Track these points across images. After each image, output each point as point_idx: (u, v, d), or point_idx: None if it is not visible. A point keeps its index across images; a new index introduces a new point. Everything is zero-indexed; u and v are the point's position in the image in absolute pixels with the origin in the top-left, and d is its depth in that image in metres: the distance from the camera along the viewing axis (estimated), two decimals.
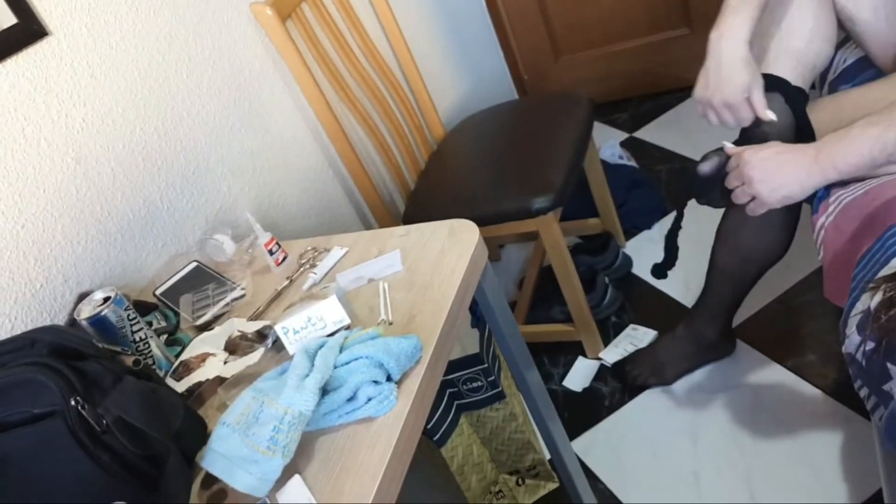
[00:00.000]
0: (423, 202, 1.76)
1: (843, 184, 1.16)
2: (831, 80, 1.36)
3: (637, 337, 1.83)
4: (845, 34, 1.32)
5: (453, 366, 1.42)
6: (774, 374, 1.61)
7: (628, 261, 2.04)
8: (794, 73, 1.23)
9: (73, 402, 0.71)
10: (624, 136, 2.56)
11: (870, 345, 0.99)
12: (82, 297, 1.05)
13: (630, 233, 2.15)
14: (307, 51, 1.64)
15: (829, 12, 1.24)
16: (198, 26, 1.42)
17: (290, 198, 1.65)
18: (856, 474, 1.37)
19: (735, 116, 1.16)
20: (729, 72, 1.13)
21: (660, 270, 1.44)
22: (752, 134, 1.20)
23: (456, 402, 1.46)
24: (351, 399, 0.83)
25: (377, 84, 1.82)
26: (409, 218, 1.73)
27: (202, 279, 1.19)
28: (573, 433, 1.67)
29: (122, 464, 0.74)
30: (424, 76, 1.93)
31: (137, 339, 0.98)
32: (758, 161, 1.10)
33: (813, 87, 1.39)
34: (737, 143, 1.20)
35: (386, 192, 1.97)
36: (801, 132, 1.19)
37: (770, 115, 1.14)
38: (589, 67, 2.68)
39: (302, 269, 1.13)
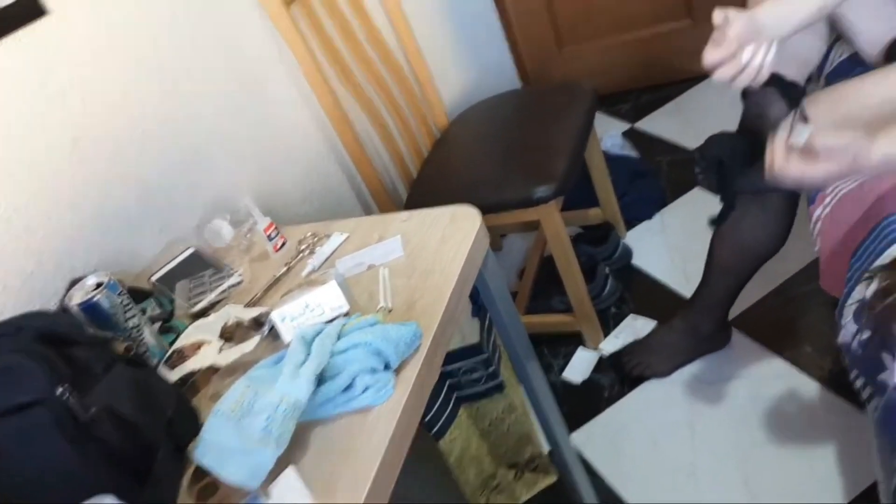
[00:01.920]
0: (425, 189, 1.75)
1: None
2: (827, 74, 1.38)
3: (637, 327, 1.82)
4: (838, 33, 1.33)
5: (453, 356, 1.40)
6: (772, 366, 1.61)
7: (629, 251, 2.03)
8: (788, 67, 1.24)
9: (59, 391, 0.68)
10: (626, 126, 2.54)
11: (865, 334, 0.99)
12: (75, 283, 1.03)
13: (631, 223, 2.13)
14: (311, 36, 1.61)
15: None
16: (201, 9, 1.40)
17: (291, 184, 1.63)
18: (852, 466, 1.37)
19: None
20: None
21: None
22: (752, 125, 1.19)
23: (455, 394, 1.45)
24: (348, 388, 0.81)
25: (381, 71, 1.80)
26: (412, 205, 1.72)
27: (199, 265, 1.17)
28: (572, 425, 1.66)
29: (109, 455, 0.72)
30: (428, 64, 1.91)
31: (130, 325, 0.97)
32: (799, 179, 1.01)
33: (810, 80, 1.39)
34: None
35: (388, 178, 1.95)
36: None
37: (768, 59, 1.02)
38: (592, 58, 2.66)
39: (301, 255, 1.12)
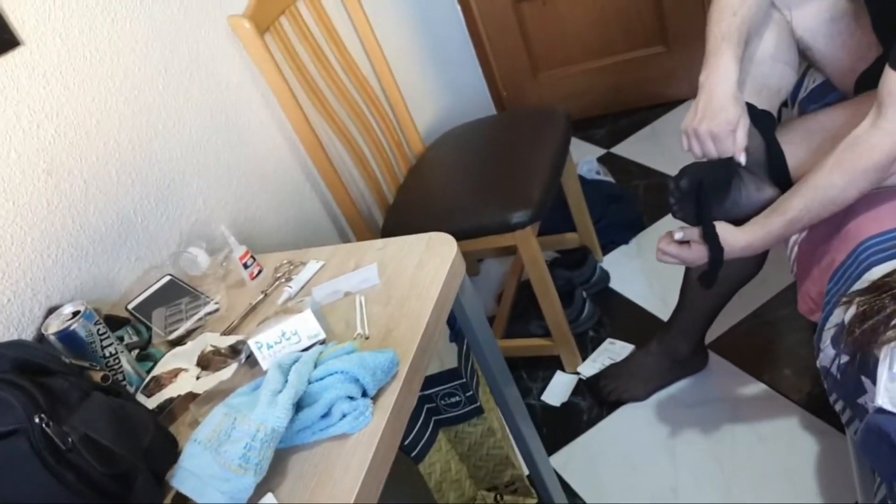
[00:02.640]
0: (401, 216, 1.75)
1: None
2: (801, 100, 1.40)
3: (614, 351, 1.83)
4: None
5: (431, 381, 1.40)
6: (751, 389, 1.62)
7: (606, 275, 2.05)
8: (760, 96, 1.27)
9: (37, 420, 0.68)
10: (601, 151, 2.57)
11: (844, 358, 1.00)
12: (52, 311, 1.02)
13: (607, 247, 2.15)
14: (285, 64, 1.63)
15: (790, 38, 1.29)
16: (175, 38, 1.41)
17: (267, 211, 1.63)
18: (833, 488, 1.38)
19: (718, 148, 1.17)
20: (719, 105, 1.15)
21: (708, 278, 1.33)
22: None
23: (434, 418, 1.45)
24: (325, 415, 0.81)
25: (356, 99, 1.82)
26: (388, 232, 1.73)
27: (176, 293, 1.17)
28: (552, 448, 1.66)
29: (88, 483, 0.72)
30: (403, 91, 1.93)
31: (107, 354, 0.96)
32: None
33: (785, 104, 1.42)
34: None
35: (364, 205, 1.96)
36: (771, 153, 1.22)
37: (742, 159, 1.16)
38: (566, 84, 2.70)
39: (277, 282, 1.12)
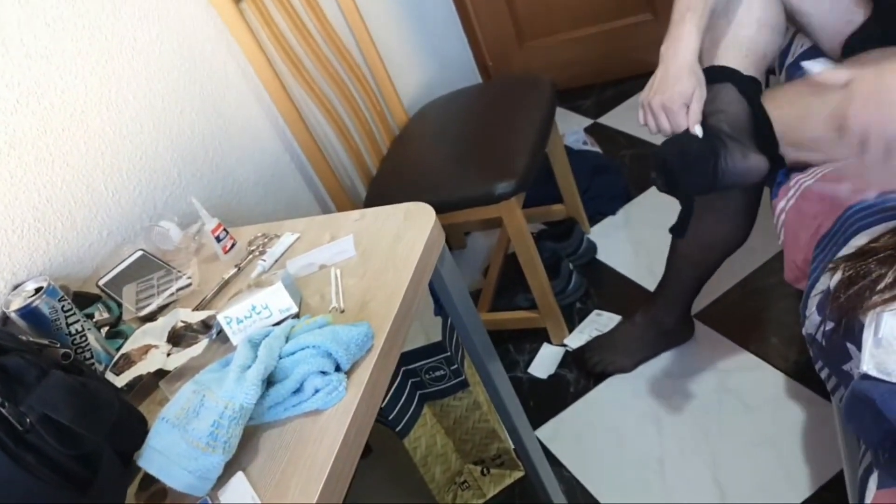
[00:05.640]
0: (384, 188, 1.72)
1: (802, 168, 1.16)
2: (789, 65, 1.38)
3: (601, 322, 1.82)
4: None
5: (416, 354, 1.38)
6: (737, 358, 1.61)
7: (593, 246, 2.03)
8: (745, 62, 1.25)
9: None
10: (588, 122, 2.54)
11: (829, 325, 0.98)
12: (17, 289, 0.99)
13: (594, 219, 2.13)
14: (262, 32, 1.58)
15: (777, 1, 1.26)
16: (144, 4, 1.36)
17: (245, 184, 1.60)
18: (819, 456, 1.37)
19: (671, 122, 1.16)
20: (674, 76, 1.14)
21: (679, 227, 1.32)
22: (709, 122, 1.18)
23: (419, 392, 1.43)
24: (297, 391, 0.79)
25: (336, 67, 1.77)
26: (371, 203, 1.69)
27: (148, 268, 1.13)
28: (539, 420, 1.65)
29: (49, 465, 0.69)
30: (386, 60, 1.88)
31: (73, 331, 0.93)
32: (871, 94, 0.92)
33: (773, 72, 1.39)
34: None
35: (346, 177, 1.93)
36: (757, 120, 1.19)
37: (697, 131, 1.14)
38: (553, 53, 2.66)
39: (251, 256, 1.09)
